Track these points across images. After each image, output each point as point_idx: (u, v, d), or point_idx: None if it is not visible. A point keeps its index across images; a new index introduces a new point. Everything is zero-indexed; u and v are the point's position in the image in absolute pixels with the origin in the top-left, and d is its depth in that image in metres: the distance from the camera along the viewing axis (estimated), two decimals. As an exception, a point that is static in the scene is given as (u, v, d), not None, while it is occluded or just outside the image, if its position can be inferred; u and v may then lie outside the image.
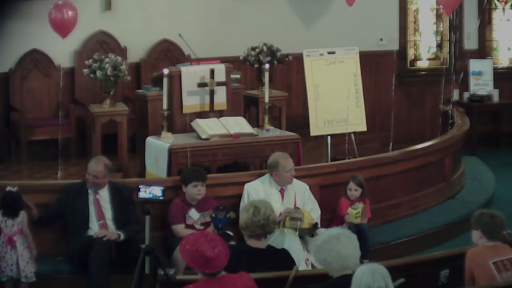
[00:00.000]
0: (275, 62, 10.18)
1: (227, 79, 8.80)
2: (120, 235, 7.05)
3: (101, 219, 7.15)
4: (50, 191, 7.41)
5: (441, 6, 10.98)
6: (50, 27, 9.35)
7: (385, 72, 11.82)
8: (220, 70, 8.74)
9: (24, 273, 6.72)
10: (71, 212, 7.14)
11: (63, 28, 9.18)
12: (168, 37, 10.87)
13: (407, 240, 8.35)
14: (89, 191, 7.21)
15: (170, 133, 8.35)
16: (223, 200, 7.54)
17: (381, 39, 12.05)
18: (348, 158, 9.35)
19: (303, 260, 7.00)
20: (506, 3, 12.79)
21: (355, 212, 7.68)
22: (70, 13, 9.17)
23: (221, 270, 4.70)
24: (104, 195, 7.23)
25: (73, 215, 7.14)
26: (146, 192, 6.09)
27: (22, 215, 6.78)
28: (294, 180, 7.67)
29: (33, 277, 6.78)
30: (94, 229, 7.13)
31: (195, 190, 7.31)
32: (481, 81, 12.24)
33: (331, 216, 7.91)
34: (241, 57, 10.33)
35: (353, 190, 7.80)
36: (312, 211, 7.47)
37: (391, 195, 8.71)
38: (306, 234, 7.16)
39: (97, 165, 7.18)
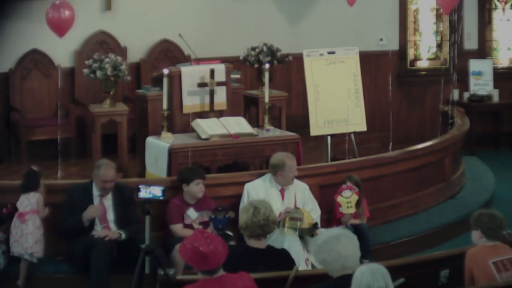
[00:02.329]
0: (275, 62, 10.17)
1: (227, 79, 8.80)
2: (121, 234, 7.04)
3: (104, 223, 7.12)
4: (50, 191, 7.40)
5: (439, 6, 10.95)
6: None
7: (385, 72, 11.81)
8: (220, 70, 8.74)
9: (31, 250, 6.75)
10: (74, 214, 7.11)
11: (60, 27, 9.16)
12: (168, 37, 10.87)
13: (407, 240, 8.34)
14: (95, 194, 7.15)
15: (170, 133, 8.35)
16: (223, 200, 7.54)
17: (381, 39, 12.04)
18: (348, 158, 9.34)
19: (303, 260, 6.99)
20: (506, 3, 12.78)
21: (346, 201, 7.60)
22: (67, 12, 9.14)
23: (220, 268, 4.70)
24: (108, 197, 7.18)
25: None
26: (146, 192, 6.08)
27: (37, 197, 6.85)
28: (294, 180, 7.67)
29: (34, 259, 6.81)
30: (96, 230, 7.11)
31: (197, 188, 7.31)
32: (481, 81, 12.24)
33: (331, 216, 7.90)
34: (241, 57, 10.32)
35: (351, 190, 7.79)
36: (312, 211, 7.47)
37: (391, 195, 8.71)
38: (306, 234, 7.15)
39: (109, 170, 7.07)
